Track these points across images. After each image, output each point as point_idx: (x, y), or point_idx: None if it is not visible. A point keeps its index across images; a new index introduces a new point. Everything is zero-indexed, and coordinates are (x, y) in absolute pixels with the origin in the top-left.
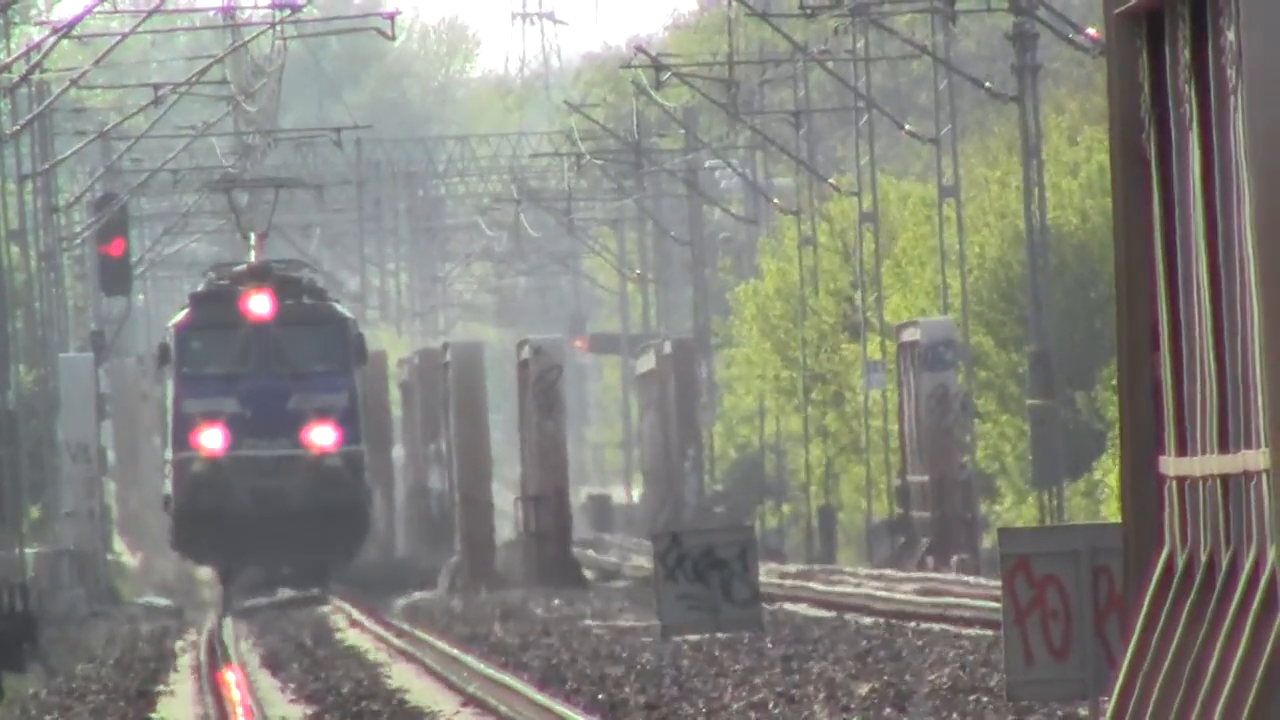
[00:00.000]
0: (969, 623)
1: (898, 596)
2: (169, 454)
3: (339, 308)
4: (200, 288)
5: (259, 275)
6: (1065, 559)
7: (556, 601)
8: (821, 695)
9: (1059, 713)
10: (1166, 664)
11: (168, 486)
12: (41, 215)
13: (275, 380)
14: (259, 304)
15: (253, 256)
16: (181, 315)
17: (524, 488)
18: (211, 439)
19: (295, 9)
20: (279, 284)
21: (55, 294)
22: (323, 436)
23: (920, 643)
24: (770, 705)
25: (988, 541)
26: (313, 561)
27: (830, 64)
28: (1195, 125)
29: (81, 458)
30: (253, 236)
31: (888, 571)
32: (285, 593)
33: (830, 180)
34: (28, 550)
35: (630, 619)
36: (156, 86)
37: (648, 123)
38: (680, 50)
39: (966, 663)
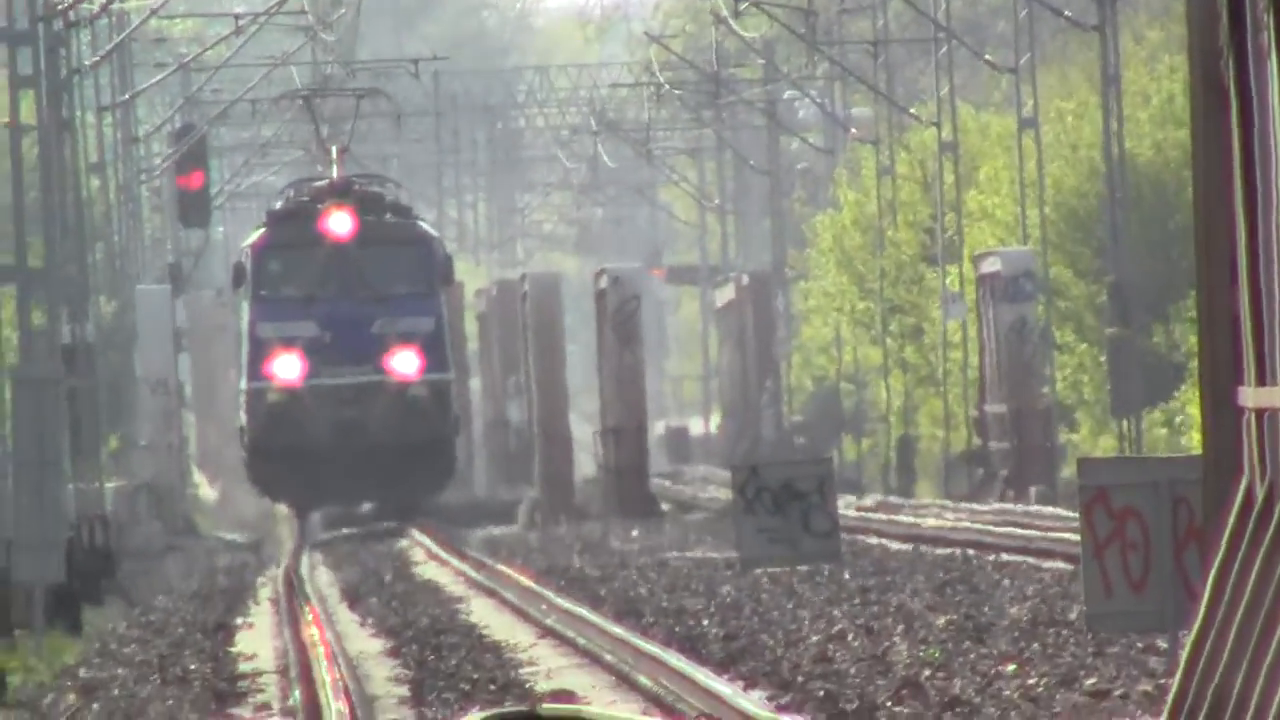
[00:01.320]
0: (1048, 555)
1: (976, 528)
2: (243, 383)
3: (424, 226)
4: (278, 205)
5: (340, 191)
6: (1144, 490)
7: (634, 534)
8: (900, 627)
9: (1138, 645)
10: (1246, 596)
11: (242, 418)
12: (120, 147)
13: (357, 303)
14: (340, 222)
15: (334, 172)
16: (258, 234)
17: (603, 420)
18: (288, 367)
19: None
20: (361, 200)
21: (133, 226)
22: (407, 364)
23: (999, 575)
24: (849, 637)
25: (1066, 472)
26: (395, 498)
27: None
28: (1274, 53)
29: (159, 390)
30: (333, 151)
31: (967, 504)
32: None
33: (910, 110)
34: (106, 484)
35: (708, 551)
36: (236, 17)
37: (727, 53)
38: None
39: (1046, 595)
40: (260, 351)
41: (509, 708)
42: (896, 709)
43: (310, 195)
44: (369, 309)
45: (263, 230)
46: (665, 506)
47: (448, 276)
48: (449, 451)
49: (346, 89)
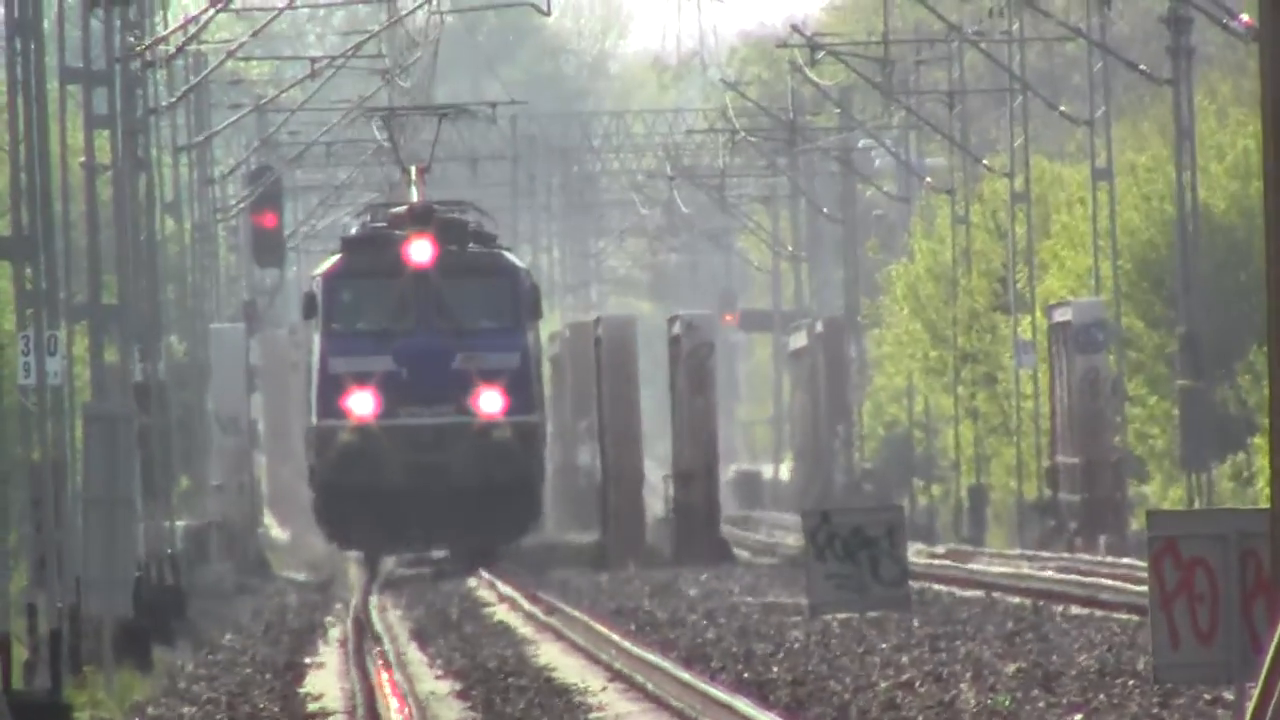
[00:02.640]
0: (1116, 605)
1: (1046, 577)
2: (313, 420)
3: (510, 256)
4: (353, 230)
5: (420, 217)
6: (1213, 542)
7: (704, 578)
8: (968, 675)
9: (1205, 696)
10: None
11: (311, 458)
12: (196, 187)
13: (436, 337)
14: (419, 250)
15: (413, 195)
16: (331, 262)
17: (674, 464)
18: (362, 404)
19: None
20: (442, 227)
21: (208, 265)
22: (490, 403)
23: (1067, 624)
24: (917, 684)
25: (1136, 524)
26: (475, 547)
27: (985, 45)
28: None
29: (232, 429)
30: (412, 171)
31: (1036, 553)
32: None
33: (984, 161)
34: (176, 523)
35: (777, 596)
36: (313, 60)
37: (802, 101)
38: (836, 29)
39: (1114, 645)
40: (331, 387)
41: None
42: None
43: (387, 221)
44: (449, 343)
45: (336, 257)
46: (737, 551)
47: (535, 310)
48: (534, 497)
49: (424, 107)
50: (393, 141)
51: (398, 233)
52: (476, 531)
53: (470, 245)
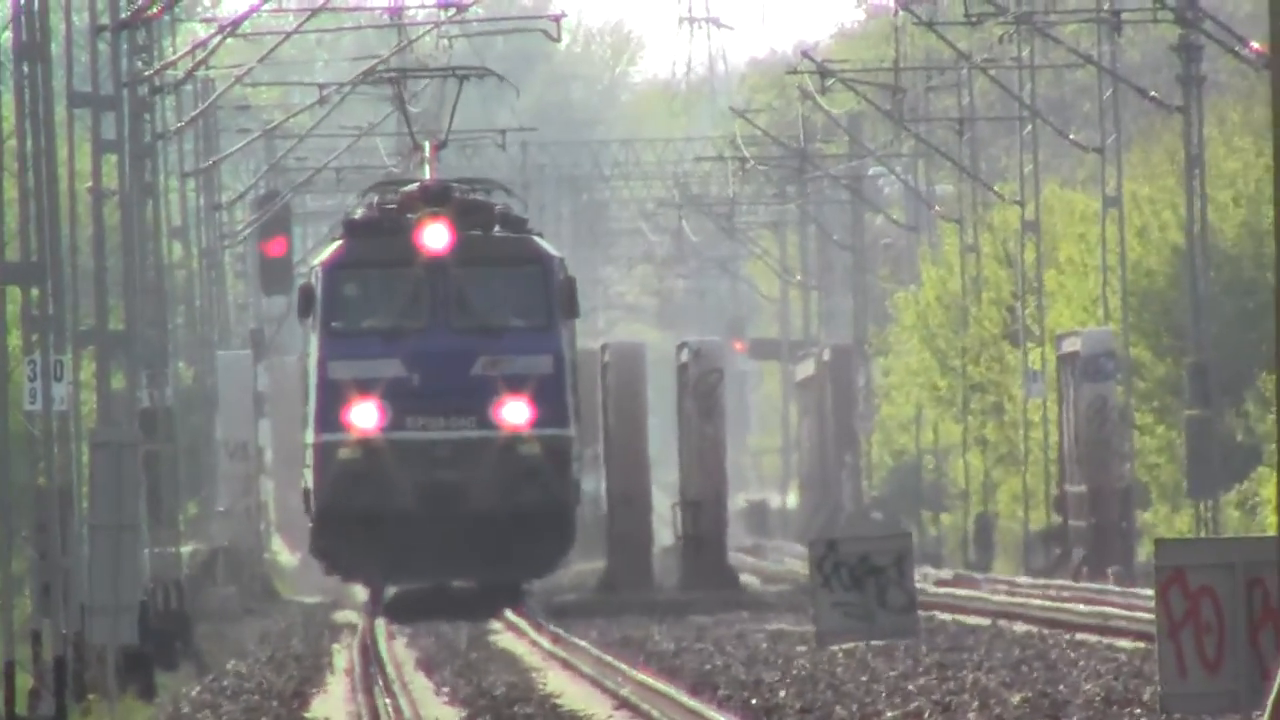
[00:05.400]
0: (1123, 633)
1: (1052, 605)
2: (309, 435)
3: (541, 242)
4: (357, 213)
5: (435, 197)
6: (1220, 571)
7: (712, 606)
8: (975, 704)
9: None
10: None
11: (308, 478)
12: (204, 212)
13: (454, 337)
14: (434, 235)
15: (427, 173)
16: (331, 249)
17: (682, 492)
18: (365, 416)
19: (461, 9)
20: (461, 209)
21: (216, 291)
22: (516, 414)
23: (1074, 653)
24: (925, 713)
25: (1143, 553)
26: (496, 579)
27: (995, 72)
28: None
29: (239, 455)
30: (426, 146)
31: (1043, 581)
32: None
33: (994, 188)
34: (182, 548)
35: (785, 625)
36: (321, 86)
37: (812, 128)
38: (846, 57)
39: (1120, 674)
40: (331, 397)
41: None
42: None
43: (397, 202)
44: (469, 344)
45: (336, 244)
46: (744, 579)
47: (570, 306)
48: (566, 524)
49: (440, 69)
50: (403, 111)
51: (409, 215)
52: (499, 563)
53: (494, 230)
